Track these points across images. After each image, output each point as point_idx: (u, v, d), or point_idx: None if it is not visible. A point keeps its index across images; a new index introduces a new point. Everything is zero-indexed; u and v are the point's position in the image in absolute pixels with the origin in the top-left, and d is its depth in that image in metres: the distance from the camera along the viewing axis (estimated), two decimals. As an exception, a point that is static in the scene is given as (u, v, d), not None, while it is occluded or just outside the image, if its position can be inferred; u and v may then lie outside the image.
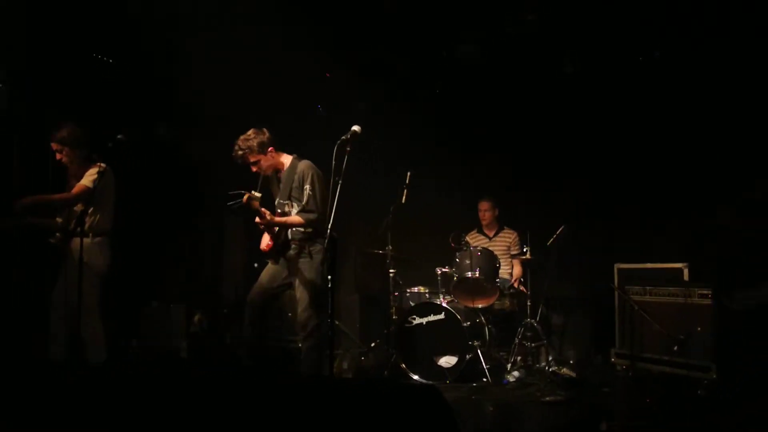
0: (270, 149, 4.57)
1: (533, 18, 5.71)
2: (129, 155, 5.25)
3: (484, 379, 5.13)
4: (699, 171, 5.61)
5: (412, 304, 5.77)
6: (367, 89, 6.92)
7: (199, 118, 7.07)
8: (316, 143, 4.88)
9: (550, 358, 5.41)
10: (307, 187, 4.47)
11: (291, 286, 4.62)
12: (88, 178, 4.66)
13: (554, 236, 5.57)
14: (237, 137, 4.63)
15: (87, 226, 4.61)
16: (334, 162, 3.94)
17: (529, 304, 5.53)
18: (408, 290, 6.01)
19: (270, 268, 4.69)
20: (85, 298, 4.39)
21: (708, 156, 5.54)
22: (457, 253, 5.61)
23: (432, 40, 6.21)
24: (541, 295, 5.67)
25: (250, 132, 4.55)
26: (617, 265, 5.67)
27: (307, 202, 4.46)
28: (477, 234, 6.26)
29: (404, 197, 5.67)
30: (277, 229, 4.60)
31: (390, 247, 5.76)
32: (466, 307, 5.57)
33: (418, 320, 5.43)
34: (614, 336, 5.47)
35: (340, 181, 3.93)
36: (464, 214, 6.32)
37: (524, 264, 5.65)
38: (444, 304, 5.41)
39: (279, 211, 4.58)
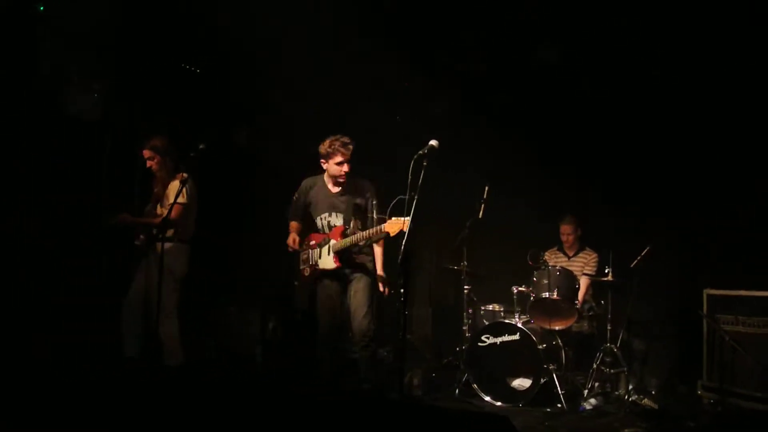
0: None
1: (624, 23, 5.47)
2: (209, 162, 5.42)
3: (559, 405, 4.94)
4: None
5: (486, 322, 5.64)
6: (445, 100, 6.85)
7: (277, 125, 7.20)
8: (393, 153, 4.89)
9: (631, 387, 5.15)
10: (374, 201, 4.69)
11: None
12: (178, 193, 4.76)
13: (639, 257, 5.31)
14: (311, 144, 4.79)
15: (171, 232, 4.84)
16: (410, 177, 3.88)
17: (609, 327, 5.29)
18: (482, 308, 5.87)
19: (328, 293, 4.76)
20: (164, 300, 4.57)
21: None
22: (535, 272, 5.45)
23: (515, 48, 6.06)
24: (622, 318, 5.41)
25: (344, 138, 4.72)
26: (707, 291, 5.35)
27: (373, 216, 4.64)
28: (557, 252, 6.05)
29: (482, 212, 5.57)
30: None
31: (465, 263, 5.66)
32: (542, 328, 5.39)
33: (491, 340, 5.28)
34: (701, 366, 5.18)
35: (416, 197, 3.88)
36: (544, 231, 6.12)
37: (606, 286, 5.39)
38: (519, 325, 5.25)
39: (346, 230, 4.70)
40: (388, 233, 4.17)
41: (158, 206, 5.04)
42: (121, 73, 6.13)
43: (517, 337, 5.21)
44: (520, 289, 5.58)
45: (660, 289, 5.81)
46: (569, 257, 5.94)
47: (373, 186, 4.75)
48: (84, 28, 5.68)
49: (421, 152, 4.06)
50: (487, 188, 5.57)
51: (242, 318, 6.67)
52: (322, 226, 4.83)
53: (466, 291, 5.77)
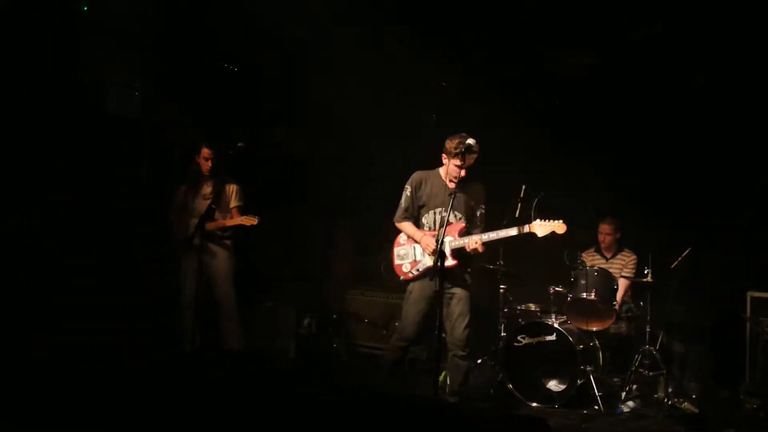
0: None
1: (660, 28, 5.39)
2: (247, 160, 5.51)
3: (596, 407, 4.88)
4: None
5: (522, 322, 5.59)
6: (484, 99, 6.80)
7: (312, 124, 7.24)
8: (428, 153, 4.86)
9: (670, 390, 5.05)
10: (483, 206, 4.55)
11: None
12: (239, 195, 5.49)
13: (679, 258, 5.21)
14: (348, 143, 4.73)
15: (229, 233, 5.43)
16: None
17: (648, 329, 5.20)
18: (518, 307, 5.81)
19: (421, 298, 4.51)
20: (230, 297, 5.40)
21: None
22: (572, 272, 5.38)
23: (554, 49, 6.00)
24: (661, 320, 5.31)
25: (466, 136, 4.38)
26: (750, 293, 5.23)
27: (482, 223, 4.54)
28: (594, 253, 5.96)
29: (518, 211, 5.50)
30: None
31: (501, 262, 5.61)
32: (579, 329, 5.32)
33: (527, 340, 5.24)
34: (743, 371, 5.05)
35: (453, 196, 3.87)
36: (583, 232, 6.02)
37: (645, 287, 5.29)
38: (556, 325, 5.19)
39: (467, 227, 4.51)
40: (535, 234, 4.15)
41: (211, 207, 5.26)
42: (160, 72, 6.23)
43: (553, 337, 5.16)
44: (557, 289, 5.52)
45: (700, 291, 5.69)
46: (607, 259, 5.85)
47: (483, 188, 4.61)
48: (125, 26, 5.79)
49: (458, 150, 4.06)
50: (524, 187, 5.51)
51: (277, 314, 6.73)
52: (432, 220, 4.52)
53: (502, 290, 5.72)
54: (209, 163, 5.38)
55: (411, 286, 4.58)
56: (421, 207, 4.56)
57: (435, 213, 4.49)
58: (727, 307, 5.46)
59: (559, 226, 4.04)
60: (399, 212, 4.61)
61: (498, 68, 6.41)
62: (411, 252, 4.61)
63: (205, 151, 5.37)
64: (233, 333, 5.46)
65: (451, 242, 4.36)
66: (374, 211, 7.55)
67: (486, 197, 4.57)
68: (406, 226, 4.60)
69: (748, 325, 5.12)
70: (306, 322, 6.76)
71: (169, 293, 5.66)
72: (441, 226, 4.33)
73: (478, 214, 4.53)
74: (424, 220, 4.56)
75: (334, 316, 6.83)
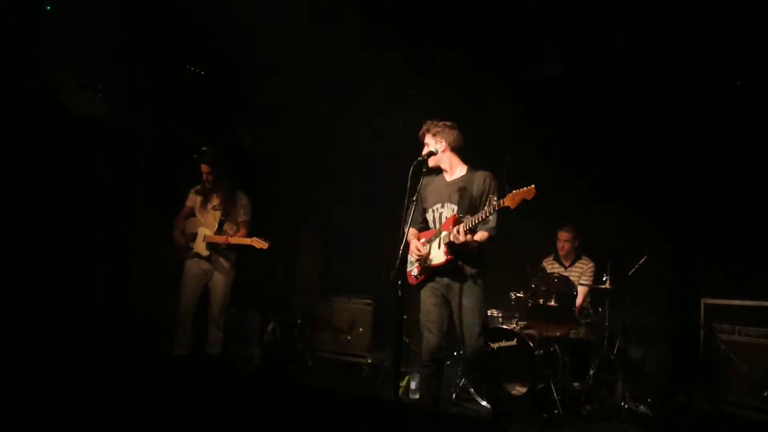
0: (445, 143, 4.31)
1: (621, 36, 5.51)
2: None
3: (555, 411, 4.96)
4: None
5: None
6: (447, 106, 6.87)
7: (279, 127, 7.24)
8: (397, 158, 4.90)
9: (627, 394, 5.17)
10: (493, 198, 3.98)
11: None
12: (248, 210, 5.63)
13: (636, 266, 5.34)
14: (315, 147, 4.72)
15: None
16: (409, 183, 3.92)
17: (606, 335, 5.32)
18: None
19: (435, 304, 4.29)
20: (223, 309, 5.61)
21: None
22: (533, 279, 5.46)
23: (516, 56, 6.09)
24: (619, 326, 5.43)
25: (449, 122, 4.35)
26: (704, 300, 5.41)
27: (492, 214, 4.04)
28: (553, 261, 6.05)
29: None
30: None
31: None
32: (539, 334, 5.41)
33: (489, 345, 5.31)
34: (697, 375, 5.19)
35: (415, 202, 3.91)
36: (542, 239, 6.12)
37: (603, 294, 5.41)
38: (517, 331, 5.28)
39: (461, 218, 4.13)
40: (508, 207, 3.76)
41: (222, 220, 5.48)
42: (125, 73, 6.18)
43: (514, 342, 5.24)
44: (518, 295, 5.61)
45: (657, 298, 5.85)
46: (566, 267, 5.95)
47: (491, 177, 4.26)
48: (89, 27, 5.73)
49: (420, 158, 4.10)
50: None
51: (242, 319, 6.70)
52: (434, 219, 4.36)
53: (464, 296, 5.78)
54: (210, 177, 5.44)
55: (421, 293, 4.38)
56: (425, 209, 4.42)
57: (433, 211, 4.37)
58: (682, 314, 5.61)
59: (527, 192, 3.72)
60: (405, 220, 4.36)
61: (465, 75, 6.48)
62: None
63: (203, 167, 5.44)
64: (218, 340, 5.57)
65: (444, 237, 4.16)
66: (341, 215, 7.62)
67: (496, 185, 4.20)
68: (408, 233, 4.25)
69: (702, 331, 5.26)
70: (270, 327, 6.74)
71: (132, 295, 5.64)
72: (436, 225, 4.30)
73: (486, 204, 4.01)
74: (429, 218, 4.42)
75: (299, 321, 6.82)
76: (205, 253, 5.46)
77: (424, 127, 4.39)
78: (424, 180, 4.34)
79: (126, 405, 3.38)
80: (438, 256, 4.19)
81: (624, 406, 5.05)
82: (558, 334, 5.40)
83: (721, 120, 5.72)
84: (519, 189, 3.75)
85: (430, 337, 4.27)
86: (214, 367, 4.90)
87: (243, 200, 5.60)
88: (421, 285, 4.33)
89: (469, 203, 4.18)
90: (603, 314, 5.42)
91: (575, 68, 6.00)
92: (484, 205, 4.00)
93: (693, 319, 5.42)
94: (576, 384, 5.35)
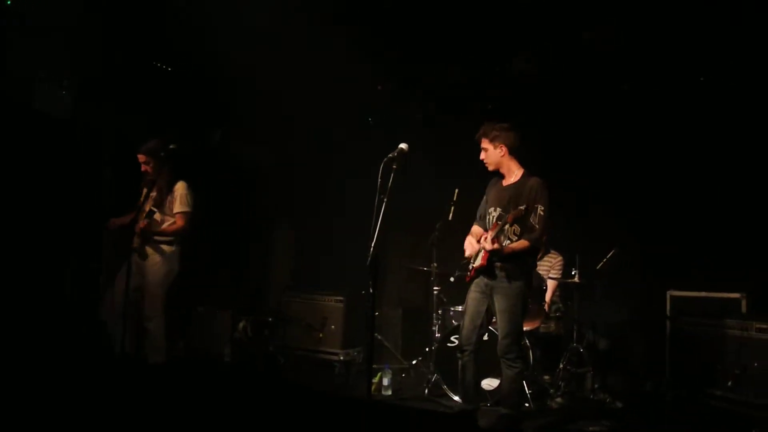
0: (500, 146, 4.41)
1: (589, 36, 5.58)
2: (179, 162, 5.40)
3: (527, 405, 5.01)
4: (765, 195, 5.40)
5: (455, 323, 5.68)
6: (417, 103, 6.90)
7: (250, 126, 7.18)
8: (365, 155, 4.90)
9: (596, 386, 5.25)
10: (539, 207, 4.22)
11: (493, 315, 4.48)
12: (184, 201, 5.14)
13: (605, 259, 5.42)
14: (287, 145, 4.67)
15: (170, 238, 5.14)
16: (380, 179, 3.91)
17: (575, 328, 5.38)
18: (452, 308, 5.90)
19: (474, 298, 4.49)
20: (155, 307, 5.07)
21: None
22: (503, 274, 5.50)
23: (486, 55, 6.13)
24: (588, 319, 5.51)
25: (495, 123, 4.43)
26: (670, 292, 5.51)
27: (537, 224, 4.22)
28: (523, 255, 6.11)
29: (451, 214, 5.61)
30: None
31: (435, 264, 5.70)
32: (510, 328, 5.45)
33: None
34: (664, 366, 5.28)
35: (385, 199, 3.90)
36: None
37: (573, 288, 5.48)
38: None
39: (499, 222, 4.32)
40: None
41: (152, 210, 5.05)
42: (92, 71, 6.07)
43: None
44: (489, 289, 5.64)
45: (625, 291, 5.94)
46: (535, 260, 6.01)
47: (539, 184, 4.32)
48: (54, 22, 5.61)
49: (390, 155, 4.08)
50: (457, 191, 5.62)
51: (211, 318, 6.64)
52: (489, 221, 4.48)
53: (435, 292, 5.82)
54: (148, 167, 5.15)
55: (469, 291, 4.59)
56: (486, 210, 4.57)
57: (489, 213, 4.50)
58: (649, 306, 5.70)
59: (519, 211, 4.15)
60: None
61: (437, 71, 6.50)
62: (475, 257, 4.59)
63: (139, 156, 5.16)
64: (153, 348, 5.08)
65: (484, 240, 4.34)
66: (312, 213, 7.59)
67: (543, 194, 4.28)
68: (472, 229, 4.66)
69: (668, 322, 5.35)
70: (241, 325, 6.69)
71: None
72: (489, 225, 4.45)
73: (530, 212, 4.20)
74: (486, 222, 4.55)
75: (270, 319, 6.78)
76: (135, 245, 5.01)
77: (481, 130, 4.42)
78: (491, 182, 4.58)
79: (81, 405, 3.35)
80: (478, 259, 4.42)
81: (593, 397, 5.12)
82: (528, 328, 5.44)
83: (687, 116, 5.83)
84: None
85: (463, 327, 4.51)
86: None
87: (181, 190, 5.17)
88: (471, 281, 4.55)
89: (513, 209, 4.27)
90: (572, 308, 5.49)
91: (545, 66, 6.06)
92: (531, 213, 4.19)
93: (660, 311, 5.50)
94: (546, 377, 5.41)
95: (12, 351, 4.97)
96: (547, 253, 5.96)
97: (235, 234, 7.46)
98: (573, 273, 5.36)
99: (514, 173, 4.48)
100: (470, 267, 4.53)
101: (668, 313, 5.41)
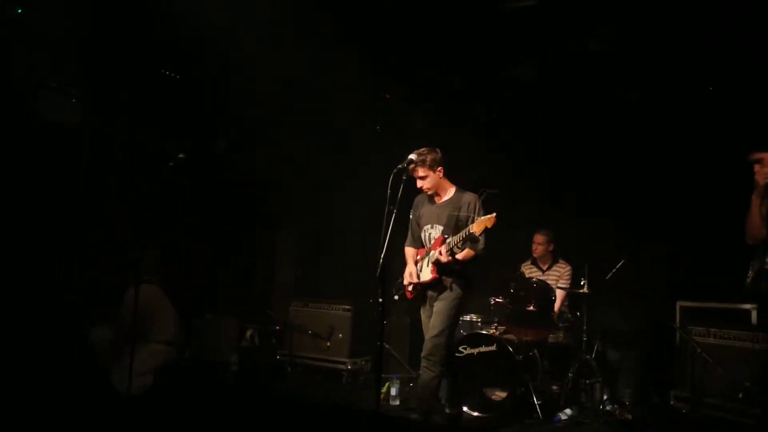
0: (439, 169, 4.54)
1: (596, 44, 5.57)
2: (189, 171, 5.42)
3: (535, 415, 4.98)
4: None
5: (464, 333, 5.67)
6: (423, 111, 6.89)
7: (255, 135, 7.19)
8: (372, 163, 4.90)
9: (605, 397, 5.21)
10: (478, 216, 4.37)
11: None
12: None
13: (613, 270, 5.40)
14: (293, 154, 4.71)
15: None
16: (389, 191, 3.91)
17: (584, 338, 5.35)
18: (460, 318, 5.88)
19: (428, 315, 4.61)
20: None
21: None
22: (512, 283, 5.49)
23: (491, 61, 6.12)
24: (597, 329, 5.48)
25: (423, 149, 4.50)
26: (679, 303, 5.48)
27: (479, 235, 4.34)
28: (531, 266, 6.07)
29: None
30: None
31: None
32: (519, 339, 5.43)
33: (468, 350, 5.31)
34: (673, 377, 5.25)
35: (394, 210, 3.91)
36: (520, 245, 6.14)
37: (581, 298, 5.45)
38: (496, 336, 5.29)
39: (446, 239, 4.44)
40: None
41: None
42: (100, 79, 6.10)
43: (493, 347, 5.24)
44: (497, 300, 5.63)
45: (634, 301, 5.89)
46: (543, 271, 5.97)
47: (476, 199, 4.53)
48: (62, 32, 5.64)
49: (400, 166, 4.11)
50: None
51: (219, 325, 6.64)
52: (425, 238, 4.67)
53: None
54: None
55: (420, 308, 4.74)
56: (419, 229, 4.72)
57: (425, 231, 4.67)
58: (658, 317, 5.67)
59: (489, 220, 4.13)
60: (407, 238, 4.83)
61: (442, 80, 6.50)
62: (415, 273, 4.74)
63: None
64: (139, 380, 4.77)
65: (431, 256, 4.50)
66: (319, 221, 7.59)
67: (479, 207, 4.48)
68: (406, 252, 4.81)
69: (678, 333, 5.32)
70: (248, 333, 6.69)
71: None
72: (426, 244, 4.62)
73: (469, 223, 4.38)
74: (422, 237, 4.70)
75: (277, 328, 6.78)
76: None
77: (414, 164, 4.41)
78: (418, 202, 4.75)
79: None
80: (426, 273, 4.56)
81: (602, 409, 5.09)
82: (537, 338, 5.42)
83: (696, 124, 5.80)
84: (483, 217, 4.17)
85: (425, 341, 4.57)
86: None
87: None
88: (415, 299, 4.69)
89: (455, 224, 4.46)
90: (581, 318, 5.45)
91: (550, 76, 6.05)
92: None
93: (669, 321, 5.47)
94: (555, 388, 5.38)
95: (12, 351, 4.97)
96: (555, 263, 5.94)
97: (241, 241, 7.47)
98: (582, 283, 5.34)
99: (447, 191, 4.64)
100: (411, 284, 4.64)
101: (677, 323, 5.38)
